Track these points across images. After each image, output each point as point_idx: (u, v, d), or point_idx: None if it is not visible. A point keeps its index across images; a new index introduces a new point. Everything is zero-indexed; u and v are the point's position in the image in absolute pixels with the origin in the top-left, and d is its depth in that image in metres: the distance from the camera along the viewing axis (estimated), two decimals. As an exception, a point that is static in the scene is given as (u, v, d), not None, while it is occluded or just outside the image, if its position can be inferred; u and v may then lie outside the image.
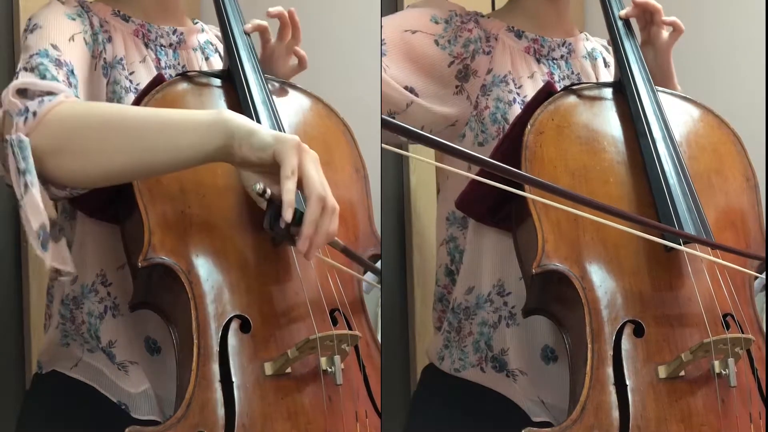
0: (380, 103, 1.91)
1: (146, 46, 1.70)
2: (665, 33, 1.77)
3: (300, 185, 1.43)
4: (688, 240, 1.51)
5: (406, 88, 1.71)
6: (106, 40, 1.66)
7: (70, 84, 1.54)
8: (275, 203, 1.43)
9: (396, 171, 2.16)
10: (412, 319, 2.20)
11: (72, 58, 1.58)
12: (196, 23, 1.82)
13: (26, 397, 1.76)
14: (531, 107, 1.62)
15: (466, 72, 1.74)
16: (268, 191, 1.42)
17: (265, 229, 1.44)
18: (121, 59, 1.67)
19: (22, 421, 1.72)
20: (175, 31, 1.74)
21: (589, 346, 1.48)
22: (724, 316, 1.53)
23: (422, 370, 1.86)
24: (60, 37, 1.59)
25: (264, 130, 1.45)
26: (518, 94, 1.73)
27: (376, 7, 2.04)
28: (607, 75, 1.84)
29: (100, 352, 1.63)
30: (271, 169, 1.43)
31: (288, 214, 1.41)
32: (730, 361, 1.46)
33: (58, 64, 1.55)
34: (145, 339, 1.64)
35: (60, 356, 1.67)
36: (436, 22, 1.75)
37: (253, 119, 1.59)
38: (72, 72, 1.57)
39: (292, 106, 1.71)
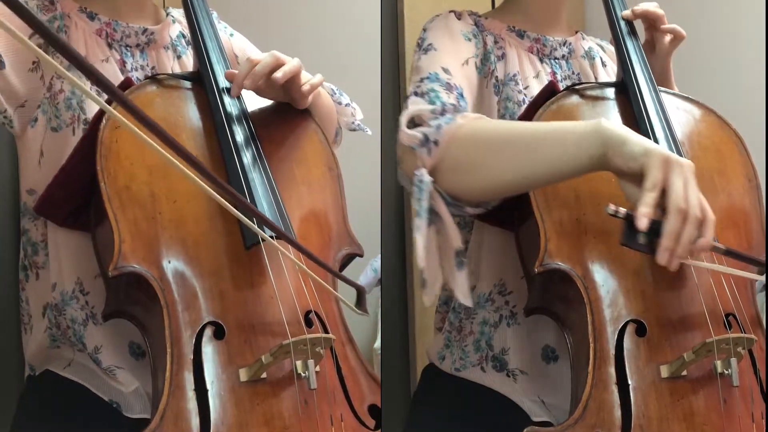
0: (380, 102, 1.91)
1: (110, 46, 1.67)
2: (667, 39, 1.76)
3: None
4: None
5: None
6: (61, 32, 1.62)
7: None
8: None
9: (396, 170, 2.16)
10: (412, 319, 2.20)
11: (2, 42, 1.56)
12: (168, 14, 1.79)
13: (21, 398, 1.75)
14: (534, 107, 1.61)
15: (497, 84, 1.74)
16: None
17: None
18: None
19: (17, 420, 1.71)
20: (145, 31, 1.71)
21: (592, 345, 1.48)
22: (726, 315, 1.53)
23: (423, 370, 1.85)
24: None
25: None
26: (525, 95, 1.73)
27: (375, 7, 2.04)
28: (605, 75, 1.84)
29: (88, 356, 1.63)
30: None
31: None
32: (733, 360, 1.46)
33: None
34: (128, 344, 1.63)
35: (52, 357, 1.67)
36: (469, 40, 1.73)
37: (230, 125, 1.58)
38: None
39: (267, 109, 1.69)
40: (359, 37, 2.34)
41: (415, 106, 1.59)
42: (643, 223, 1.40)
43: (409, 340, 2.19)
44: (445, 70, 1.66)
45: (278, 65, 1.60)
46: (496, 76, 1.74)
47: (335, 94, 1.87)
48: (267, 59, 1.60)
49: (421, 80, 1.64)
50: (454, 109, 1.57)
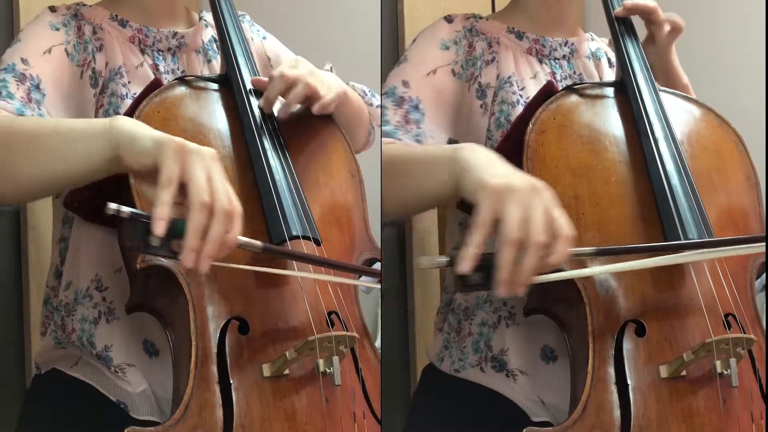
0: (380, 102, 1.91)
1: (143, 52, 1.70)
2: (665, 31, 1.75)
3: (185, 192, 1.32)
4: (692, 247, 1.51)
5: (449, 141, 1.70)
6: (96, 49, 1.65)
7: (30, 99, 1.54)
8: (141, 220, 1.31)
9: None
10: (412, 319, 2.20)
11: (41, 71, 1.58)
12: (201, 18, 1.81)
13: (27, 396, 1.76)
14: (532, 107, 1.61)
15: (481, 89, 1.74)
16: (125, 210, 1.31)
17: (134, 250, 1.33)
18: (120, 68, 1.66)
19: (23, 419, 1.72)
20: (175, 35, 1.73)
21: (591, 345, 1.48)
22: (726, 315, 1.53)
23: (422, 370, 1.85)
24: (33, 50, 1.59)
25: (147, 134, 1.34)
26: (521, 95, 1.73)
27: (375, 6, 2.04)
28: (612, 75, 1.84)
29: (96, 357, 1.63)
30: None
31: (158, 228, 1.29)
32: (732, 361, 1.46)
33: (21, 79, 1.55)
34: (143, 342, 1.64)
35: (59, 356, 1.67)
36: (447, 48, 1.74)
37: (257, 127, 1.59)
38: (37, 87, 1.56)
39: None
40: (359, 37, 2.33)
41: None
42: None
43: (409, 340, 2.19)
44: (404, 83, 1.69)
45: (312, 94, 1.64)
46: (479, 81, 1.74)
47: (366, 95, 1.89)
48: (299, 89, 1.62)
49: (383, 95, 1.68)
50: None
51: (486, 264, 1.34)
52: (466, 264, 1.33)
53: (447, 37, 1.74)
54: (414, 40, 1.77)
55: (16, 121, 1.47)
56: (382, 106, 1.67)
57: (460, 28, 1.76)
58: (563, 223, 1.35)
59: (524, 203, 1.33)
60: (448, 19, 1.77)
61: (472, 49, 1.74)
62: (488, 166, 1.39)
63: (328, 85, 1.69)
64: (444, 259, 1.37)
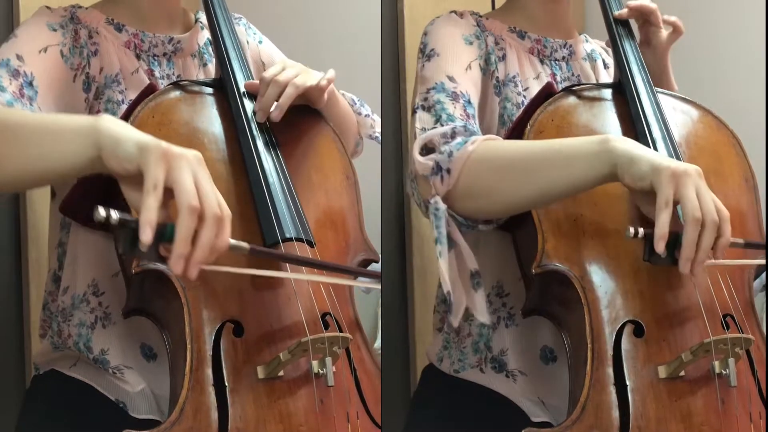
0: (380, 103, 1.91)
1: (138, 57, 1.69)
2: (663, 33, 1.77)
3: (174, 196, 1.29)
4: None
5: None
6: (92, 54, 1.65)
7: (22, 95, 1.53)
8: (130, 225, 1.27)
9: (396, 171, 2.16)
10: (412, 319, 2.20)
11: (36, 69, 1.57)
12: (197, 21, 1.80)
13: (26, 397, 1.76)
14: (531, 108, 1.62)
15: (498, 85, 1.74)
16: (114, 215, 1.27)
17: (123, 256, 1.30)
18: (117, 75, 1.66)
19: (22, 419, 1.72)
20: (171, 40, 1.72)
21: (589, 346, 1.48)
22: (724, 316, 1.54)
23: (423, 370, 1.85)
24: (29, 48, 1.59)
25: (132, 137, 1.29)
26: (525, 96, 1.73)
27: (375, 7, 2.05)
28: (607, 76, 1.84)
29: (93, 360, 1.63)
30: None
31: (144, 235, 1.25)
32: (731, 361, 1.46)
33: (15, 74, 1.55)
34: (140, 346, 1.64)
35: (57, 357, 1.67)
36: (471, 43, 1.72)
37: (251, 130, 1.59)
38: (30, 84, 1.55)
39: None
40: (359, 37, 2.34)
41: (422, 124, 1.61)
42: (660, 246, 1.43)
43: (409, 340, 2.19)
44: (450, 78, 1.66)
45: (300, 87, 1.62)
46: (497, 77, 1.73)
47: (355, 104, 1.88)
48: (290, 91, 1.61)
49: (428, 91, 1.65)
50: (464, 130, 1.57)
51: (670, 242, 1.43)
52: (660, 245, 1.42)
53: (467, 32, 1.73)
54: (427, 34, 1.73)
55: (3, 113, 1.44)
56: (433, 105, 1.64)
57: (473, 22, 1.75)
58: (722, 206, 1.45)
59: (697, 186, 1.44)
60: (458, 14, 1.76)
61: (486, 45, 1.74)
62: (651, 153, 1.47)
63: (318, 75, 1.67)
64: (643, 232, 1.45)
